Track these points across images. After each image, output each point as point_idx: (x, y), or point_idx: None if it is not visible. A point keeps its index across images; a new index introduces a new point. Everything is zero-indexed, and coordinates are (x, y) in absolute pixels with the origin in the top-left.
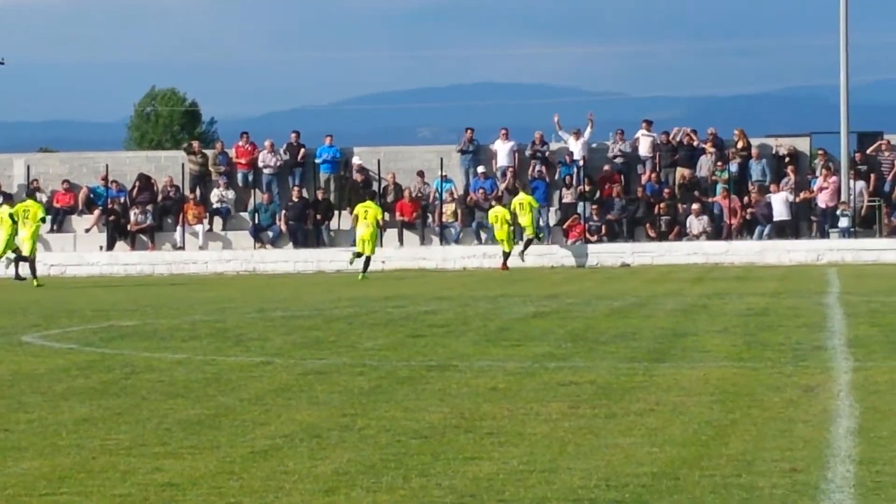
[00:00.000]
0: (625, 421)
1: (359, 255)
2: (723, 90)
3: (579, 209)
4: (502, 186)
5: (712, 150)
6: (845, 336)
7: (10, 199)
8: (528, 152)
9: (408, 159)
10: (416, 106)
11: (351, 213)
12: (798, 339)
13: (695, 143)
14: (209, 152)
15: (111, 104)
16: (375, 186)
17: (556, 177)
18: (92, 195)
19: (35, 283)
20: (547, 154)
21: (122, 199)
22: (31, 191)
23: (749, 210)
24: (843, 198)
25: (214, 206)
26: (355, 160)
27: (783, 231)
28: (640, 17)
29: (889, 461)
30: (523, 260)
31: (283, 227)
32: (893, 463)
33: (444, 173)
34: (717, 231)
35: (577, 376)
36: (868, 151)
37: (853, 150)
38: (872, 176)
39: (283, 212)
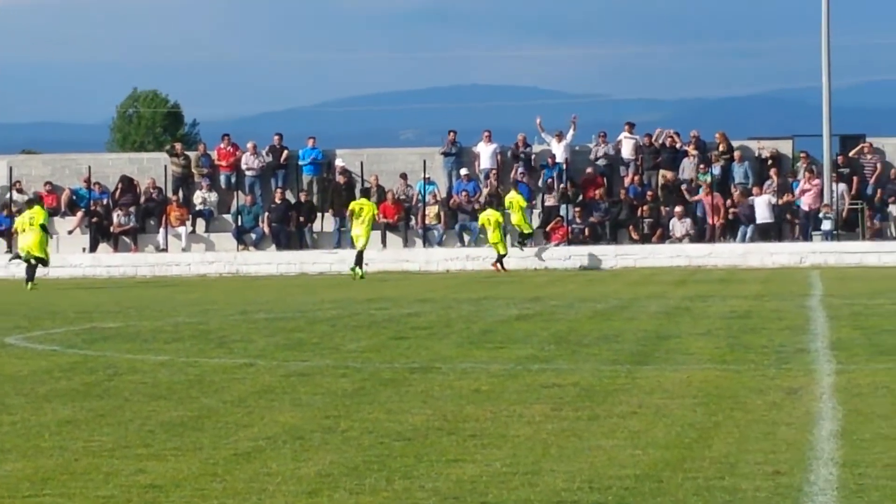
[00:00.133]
0: (608, 423)
1: (358, 255)
2: (706, 93)
3: (562, 212)
4: (485, 192)
5: (695, 152)
6: (828, 339)
7: (39, 201)
8: (510, 153)
9: (391, 161)
10: (399, 108)
11: (334, 214)
12: (781, 342)
13: (677, 146)
14: (192, 154)
15: (94, 106)
16: (358, 188)
17: (540, 182)
18: (74, 197)
19: (29, 285)
20: (532, 157)
21: (104, 201)
22: (37, 197)
23: (731, 210)
24: (826, 201)
25: (197, 207)
26: (338, 162)
27: (766, 234)
28: (623, 21)
29: (872, 464)
30: (522, 250)
31: (266, 229)
32: (876, 465)
33: (427, 175)
34: (700, 234)
35: (560, 378)
36: (850, 154)
37: (836, 152)
38: (855, 179)
39: (266, 214)
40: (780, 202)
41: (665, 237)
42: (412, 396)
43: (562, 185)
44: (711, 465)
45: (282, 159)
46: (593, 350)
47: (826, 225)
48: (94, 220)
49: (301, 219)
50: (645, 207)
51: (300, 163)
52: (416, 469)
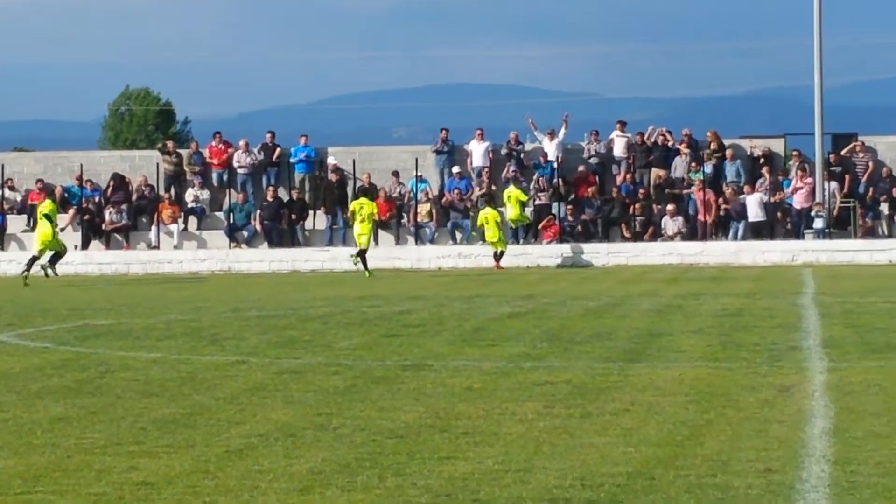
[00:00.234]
0: (600, 421)
1: (360, 252)
2: (698, 91)
3: (554, 210)
4: (477, 192)
5: (687, 151)
6: (820, 337)
7: (52, 195)
8: (503, 151)
9: (383, 159)
10: (391, 106)
11: (326, 212)
12: (773, 340)
13: (670, 144)
14: (184, 152)
15: (86, 104)
16: (357, 187)
17: (533, 185)
18: (66, 194)
19: (25, 279)
20: (522, 155)
21: (96, 199)
22: (50, 190)
23: (723, 206)
24: (818, 199)
25: (189, 205)
26: (330, 160)
27: (758, 232)
28: (616, 19)
29: (864, 461)
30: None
31: (258, 227)
32: (868, 463)
33: (419, 173)
34: (692, 232)
35: (553, 376)
36: (842, 153)
37: (827, 151)
38: (847, 177)
39: (258, 211)
40: (773, 200)
41: (657, 235)
42: (404, 394)
43: (554, 181)
44: (703, 463)
45: (274, 157)
46: (585, 348)
47: (818, 223)
48: (86, 217)
49: (293, 216)
50: (637, 205)
51: (292, 161)
52: (409, 466)
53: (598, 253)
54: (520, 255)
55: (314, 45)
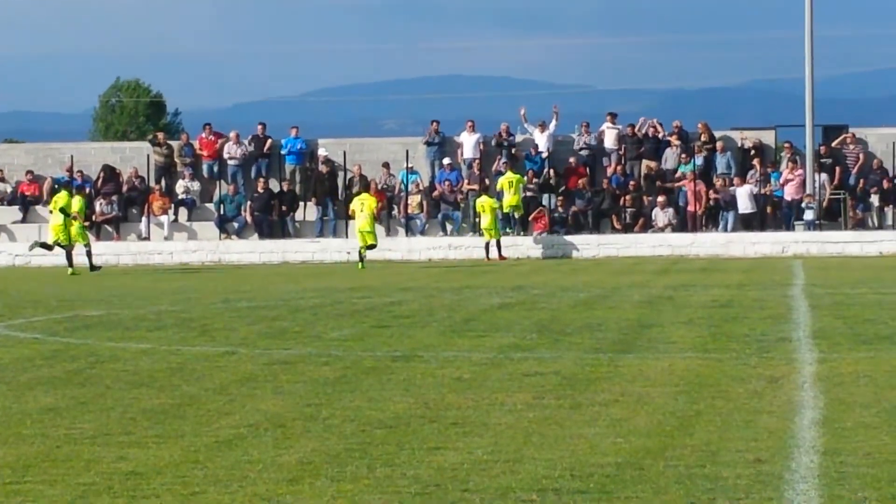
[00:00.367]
0: (589, 411)
1: (369, 247)
2: (689, 83)
3: (544, 201)
4: (467, 185)
5: (677, 142)
6: (810, 328)
7: (68, 186)
8: (493, 142)
9: (373, 151)
10: (382, 98)
11: (317, 204)
12: (763, 331)
13: (660, 135)
14: (174, 144)
15: (76, 95)
16: (341, 178)
17: (528, 184)
18: (57, 186)
19: (70, 271)
20: (513, 150)
21: (87, 190)
22: (64, 182)
23: (713, 196)
24: (809, 190)
25: (180, 196)
26: (321, 152)
27: (749, 223)
28: (606, 11)
29: (853, 452)
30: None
31: (249, 218)
32: (857, 454)
33: (409, 165)
34: (683, 223)
35: (542, 367)
36: (833, 145)
37: (818, 143)
38: (837, 169)
39: (249, 203)
40: (764, 192)
41: (647, 227)
42: (394, 385)
43: (545, 172)
44: (693, 453)
45: (265, 149)
46: (575, 339)
47: (808, 215)
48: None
49: (283, 208)
50: (627, 197)
51: (283, 152)
52: (398, 457)
53: (589, 244)
54: (510, 247)
55: (305, 36)
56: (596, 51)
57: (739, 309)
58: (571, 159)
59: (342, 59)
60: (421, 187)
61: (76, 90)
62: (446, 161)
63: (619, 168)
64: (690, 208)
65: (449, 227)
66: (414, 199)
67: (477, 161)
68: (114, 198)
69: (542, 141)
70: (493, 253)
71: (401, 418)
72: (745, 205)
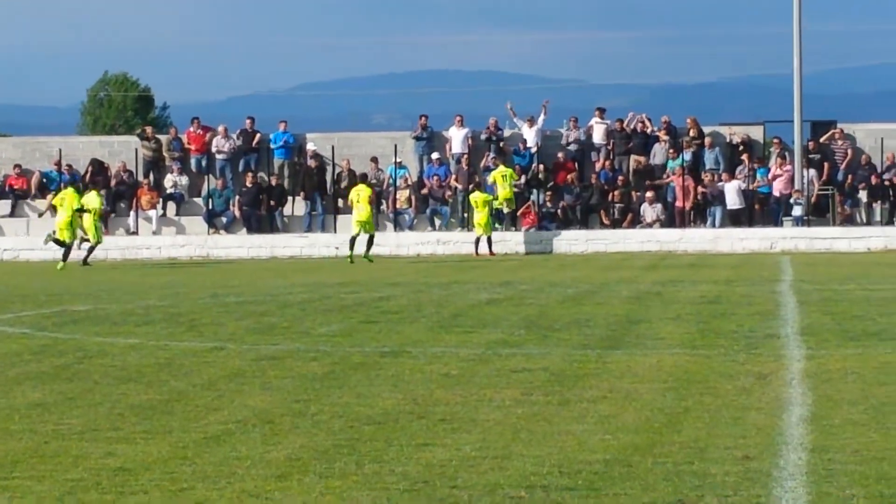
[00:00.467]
0: (578, 408)
1: (354, 239)
2: (678, 78)
3: (533, 196)
4: (453, 181)
5: (666, 137)
6: (798, 324)
7: (74, 184)
8: (483, 136)
9: (362, 145)
10: (370, 92)
11: (305, 198)
12: (751, 327)
13: (649, 131)
14: (163, 138)
15: (64, 89)
16: (329, 172)
17: (517, 179)
18: (45, 180)
19: (61, 265)
20: (501, 144)
21: (75, 184)
22: (76, 179)
23: (701, 191)
24: (797, 186)
25: (168, 191)
26: (309, 146)
27: (737, 219)
28: (595, 5)
29: (841, 449)
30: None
31: (237, 213)
32: (845, 451)
33: (398, 160)
34: (671, 219)
35: (531, 363)
36: (821, 140)
37: (806, 138)
38: (825, 165)
39: (237, 197)
40: (752, 187)
41: (636, 222)
42: (382, 381)
43: (533, 167)
44: (681, 450)
45: (253, 143)
46: (564, 335)
47: (797, 210)
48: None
49: (272, 202)
50: (616, 192)
51: (271, 146)
52: (386, 453)
53: (577, 240)
54: (498, 242)
55: (293, 30)
56: (585, 46)
57: (727, 305)
58: (560, 154)
59: (331, 53)
60: (409, 182)
61: (64, 84)
62: (435, 156)
63: (607, 163)
64: (679, 204)
65: (437, 222)
66: (402, 194)
67: (465, 156)
68: (102, 192)
69: (530, 136)
70: (483, 248)
71: (389, 414)
72: (732, 200)
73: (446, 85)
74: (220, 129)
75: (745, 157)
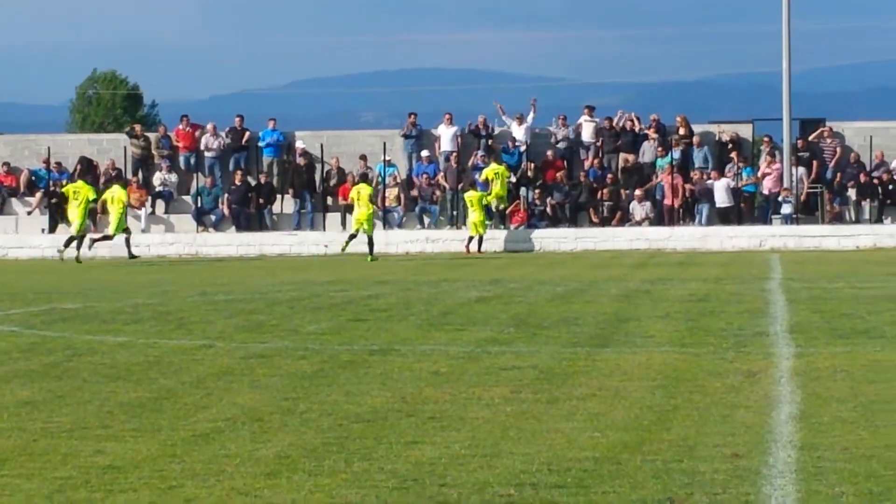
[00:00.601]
0: (567, 406)
1: (353, 236)
2: (666, 76)
3: (522, 194)
4: (440, 178)
5: (655, 135)
6: (787, 322)
7: (119, 178)
8: (469, 129)
9: (351, 143)
10: (359, 90)
11: (294, 196)
12: (740, 325)
13: (637, 129)
14: (151, 136)
15: (53, 87)
16: (319, 170)
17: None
18: (33, 178)
19: (61, 254)
20: (490, 142)
21: (64, 182)
22: (88, 172)
23: (689, 188)
24: (786, 184)
25: (157, 189)
26: (298, 144)
27: (726, 217)
28: (585, 4)
29: (830, 447)
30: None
31: (226, 211)
32: (834, 448)
33: (387, 158)
34: (660, 217)
35: (520, 361)
36: (810, 138)
37: (795, 137)
38: (814, 163)
39: (226, 195)
40: (740, 185)
41: (625, 220)
42: (371, 378)
43: (523, 165)
44: (670, 448)
45: (242, 141)
46: (552, 333)
47: (786, 209)
48: (54, 200)
49: (261, 200)
50: (605, 190)
51: (260, 144)
52: (375, 451)
53: (566, 238)
54: (488, 239)
55: (282, 28)
56: (574, 43)
57: (717, 303)
58: (549, 152)
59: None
60: (398, 180)
61: (53, 82)
62: (424, 154)
63: (596, 161)
64: (668, 202)
65: (426, 219)
66: (391, 192)
67: (455, 154)
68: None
69: (519, 134)
70: (474, 246)
71: (378, 412)
72: (721, 198)
73: (436, 83)
74: (209, 126)
75: (734, 155)
